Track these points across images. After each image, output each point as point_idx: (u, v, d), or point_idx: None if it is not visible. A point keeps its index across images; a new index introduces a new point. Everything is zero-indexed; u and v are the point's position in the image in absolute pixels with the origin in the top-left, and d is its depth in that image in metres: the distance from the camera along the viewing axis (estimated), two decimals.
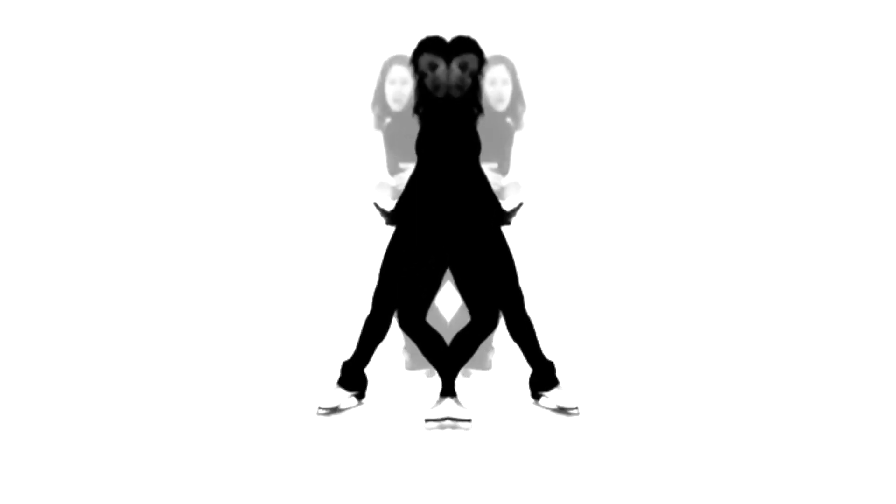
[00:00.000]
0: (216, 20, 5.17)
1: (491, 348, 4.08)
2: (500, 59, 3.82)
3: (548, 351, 3.96)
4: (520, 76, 3.85)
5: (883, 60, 5.12)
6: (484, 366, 4.08)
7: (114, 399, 3.87)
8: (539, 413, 3.66)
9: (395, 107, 3.79)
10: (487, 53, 3.71)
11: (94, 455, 3.20)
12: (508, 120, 3.84)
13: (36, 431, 3.46)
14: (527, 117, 3.87)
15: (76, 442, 3.34)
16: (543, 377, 3.64)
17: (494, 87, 3.78)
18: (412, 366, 4.08)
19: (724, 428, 3.48)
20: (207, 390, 4.01)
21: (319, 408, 3.58)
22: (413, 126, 3.66)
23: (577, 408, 3.57)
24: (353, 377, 3.64)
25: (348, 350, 3.86)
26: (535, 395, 3.70)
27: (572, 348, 4.64)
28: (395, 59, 3.80)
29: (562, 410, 3.59)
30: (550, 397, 3.62)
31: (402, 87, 3.77)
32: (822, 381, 4.10)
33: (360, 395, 3.69)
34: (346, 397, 3.65)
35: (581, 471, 3.03)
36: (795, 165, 5.26)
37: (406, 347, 4.08)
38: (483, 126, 3.71)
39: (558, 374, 3.76)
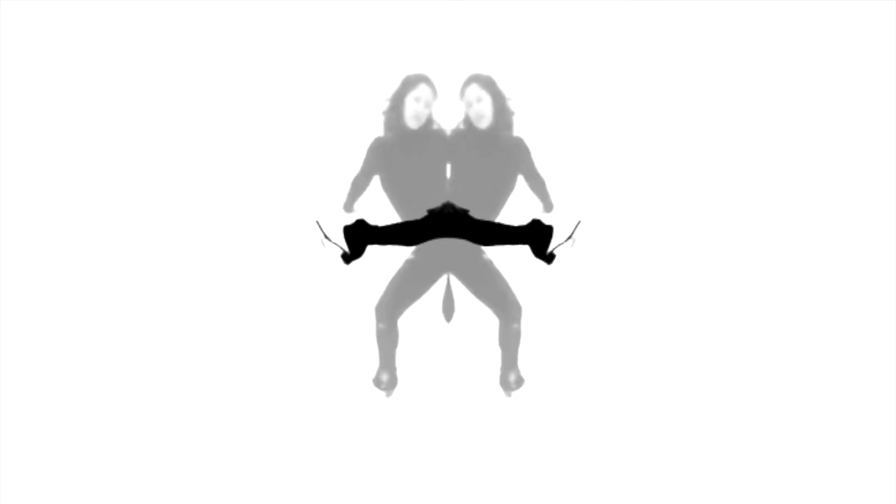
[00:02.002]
0: (216, 21, 5.17)
1: (516, 368, 3.96)
2: (473, 78, 3.81)
3: (544, 351, 3.97)
4: (500, 85, 3.81)
5: (883, 60, 5.11)
6: (515, 385, 3.95)
7: (113, 399, 3.87)
8: (536, 416, 3.66)
9: (413, 124, 3.76)
10: (471, 70, 3.80)
11: (94, 455, 3.20)
12: (512, 133, 3.81)
13: (36, 431, 3.46)
14: (518, 120, 3.83)
15: (76, 442, 3.34)
16: (541, 235, 3.61)
17: (471, 108, 3.78)
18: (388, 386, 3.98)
19: (723, 429, 3.48)
20: (206, 391, 4.01)
21: (317, 220, 3.62)
22: (421, 147, 3.73)
23: (579, 221, 3.63)
24: (356, 244, 3.58)
25: (344, 351, 3.87)
26: (548, 258, 3.64)
27: (573, 349, 4.64)
28: (423, 79, 3.79)
29: (572, 235, 3.62)
30: (558, 239, 3.63)
31: (425, 108, 3.77)
32: (823, 383, 4.09)
33: (347, 257, 3.61)
34: (338, 241, 3.65)
35: (580, 473, 3.03)
36: (794, 166, 5.25)
37: (383, 367, 3.94)
38: (483, 149, 3.75)
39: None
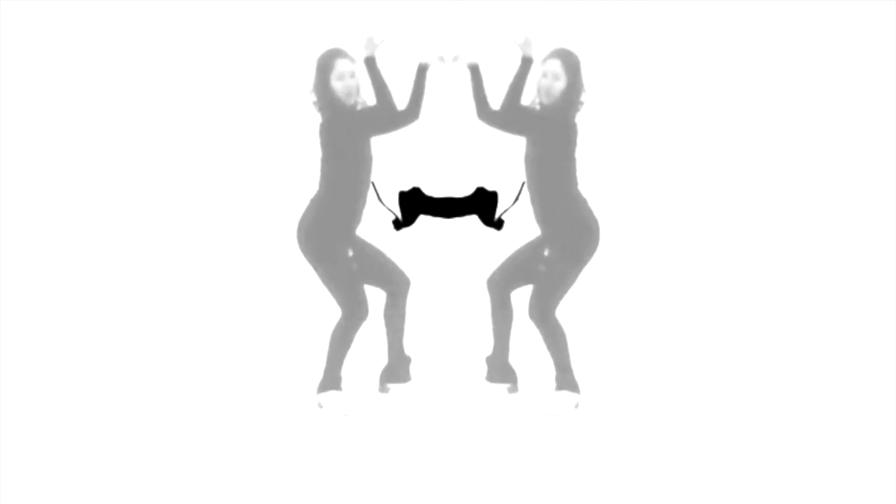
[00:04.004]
0: (215, 20, 5.18)
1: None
2: (558, 54, 3.69)
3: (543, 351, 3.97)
4: (582, 71, 3.67)
5: (883, 60, 5.11)
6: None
7: (110, 400, 3.88)
8: (531, 416, 3.67)
9: (350, 101, 3.65)
10: (546, 48, 3.68)
11: (93, 455, 3.21)
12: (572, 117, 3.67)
13: (35, 431, 3.47)
14: (580, 117, 3.68)
15: (74, 443, 3.35)
16: (486, 202, 3.70)
17: (545, 79, 3.67)
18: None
19: (724, 430, 3.48)
20: (204, 391, 4.01)
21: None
22: (350, 121, 3.62)
23: (523, 183, 3.67)
24: (409, 211, 3.61)
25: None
26: (497, 224, 3.68)
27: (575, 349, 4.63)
28: (336, 53, 3.66)
29: (517, 198, 3.65)
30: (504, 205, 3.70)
31: (351, 80, 3.66)
32: (824, 386, 4.09)
33: (398, 224, 3.64)
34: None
35: (578, 473, 3.03)
36: (795, 167, 5.25)
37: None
38: (536, 123, 3.65)
39: None
